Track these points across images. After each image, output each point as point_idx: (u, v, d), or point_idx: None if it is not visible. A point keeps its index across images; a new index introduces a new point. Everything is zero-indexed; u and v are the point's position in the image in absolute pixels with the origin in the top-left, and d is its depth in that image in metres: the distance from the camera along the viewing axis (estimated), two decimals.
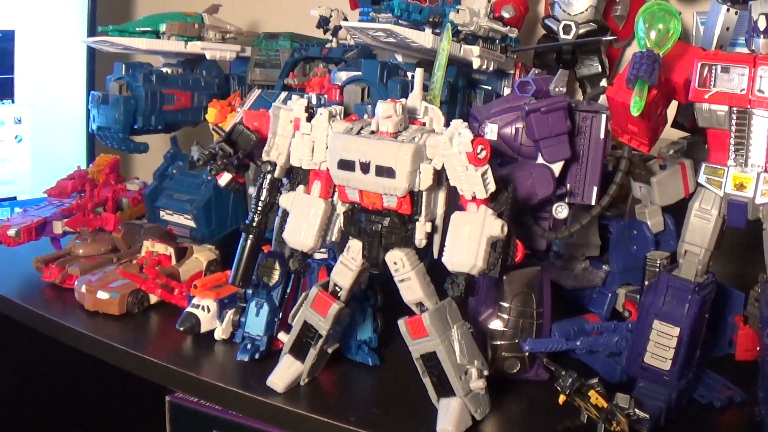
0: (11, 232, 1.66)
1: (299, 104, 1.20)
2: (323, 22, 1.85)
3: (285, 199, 1.22)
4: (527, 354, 1.27)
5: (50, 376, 1.93)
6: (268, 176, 1.24)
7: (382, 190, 1.12)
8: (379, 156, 1.09)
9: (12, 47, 2.15)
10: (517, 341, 1.28)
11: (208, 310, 1.40)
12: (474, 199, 1.08)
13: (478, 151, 1.06)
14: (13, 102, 2.18)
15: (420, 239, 1.15)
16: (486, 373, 1.17)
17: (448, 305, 1.17)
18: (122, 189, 1.90)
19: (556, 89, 1.32)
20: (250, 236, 1.24)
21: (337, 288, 1.23)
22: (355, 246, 1.20)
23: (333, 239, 1.22)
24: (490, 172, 1.08)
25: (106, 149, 1.94)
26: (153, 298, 1.53)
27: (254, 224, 1.24)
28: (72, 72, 2.30)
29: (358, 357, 1.34)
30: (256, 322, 1.33)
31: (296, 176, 1.23)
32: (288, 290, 1.36)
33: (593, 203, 1.31)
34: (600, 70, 1.87)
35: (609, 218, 1.50)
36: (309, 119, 1.19)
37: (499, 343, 1.29)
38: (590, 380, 1.11)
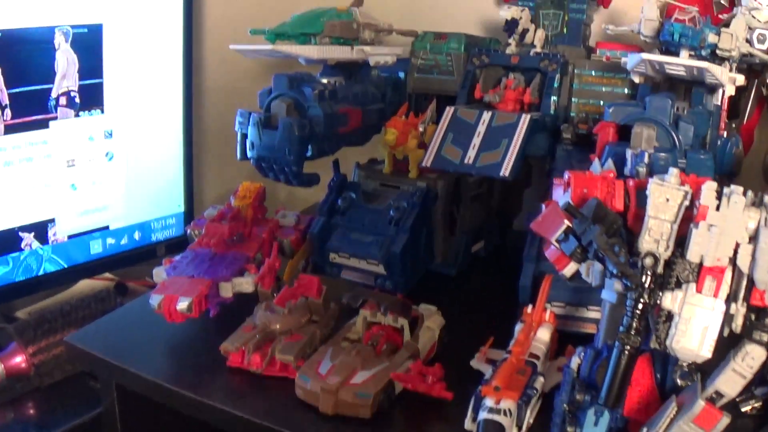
0: (182, 306, 1.25)
1: (708, 189, 0.96)
2: (512, 25, 1.55)
3: (671, 300, 0.99)
4: None
5: None
6: (650, 273, 0.99)
7: None
8: None
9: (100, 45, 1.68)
10: None
11: (510, 414, 1.13)
12: None
13: None
14: (102, 112, 1.72)
15: None
16: None
17: None
18: (276, 226, 1.54)
19: None
20: (628, 347, 1.00)
21: (714, 396, 1.03)
22: (757, 354, 1.00)
23: None
24: None
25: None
26: (398, 386, 1.23)
27: (632, 332, 1.00)
28: (167, 75, 1.88)
29: None
30: None
31: (674, 269, 1.00)
32: None
33: None
34: None
35: None
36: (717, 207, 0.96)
37: None
38: None
